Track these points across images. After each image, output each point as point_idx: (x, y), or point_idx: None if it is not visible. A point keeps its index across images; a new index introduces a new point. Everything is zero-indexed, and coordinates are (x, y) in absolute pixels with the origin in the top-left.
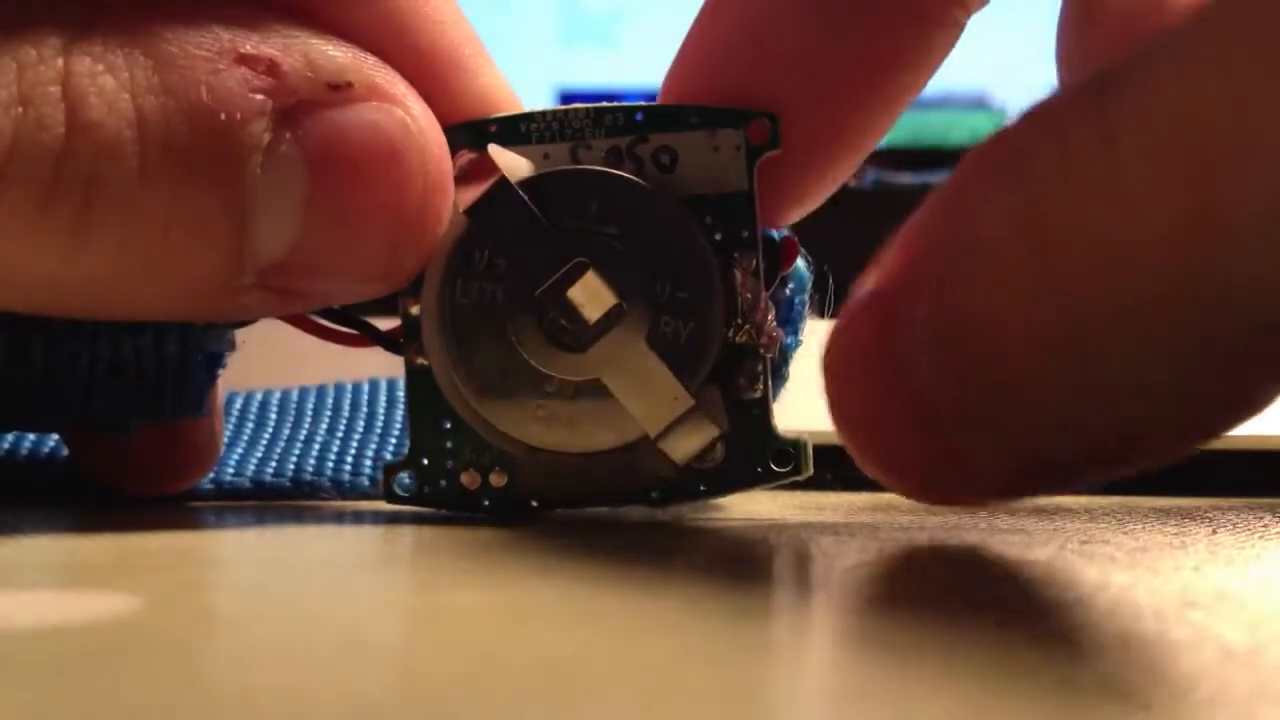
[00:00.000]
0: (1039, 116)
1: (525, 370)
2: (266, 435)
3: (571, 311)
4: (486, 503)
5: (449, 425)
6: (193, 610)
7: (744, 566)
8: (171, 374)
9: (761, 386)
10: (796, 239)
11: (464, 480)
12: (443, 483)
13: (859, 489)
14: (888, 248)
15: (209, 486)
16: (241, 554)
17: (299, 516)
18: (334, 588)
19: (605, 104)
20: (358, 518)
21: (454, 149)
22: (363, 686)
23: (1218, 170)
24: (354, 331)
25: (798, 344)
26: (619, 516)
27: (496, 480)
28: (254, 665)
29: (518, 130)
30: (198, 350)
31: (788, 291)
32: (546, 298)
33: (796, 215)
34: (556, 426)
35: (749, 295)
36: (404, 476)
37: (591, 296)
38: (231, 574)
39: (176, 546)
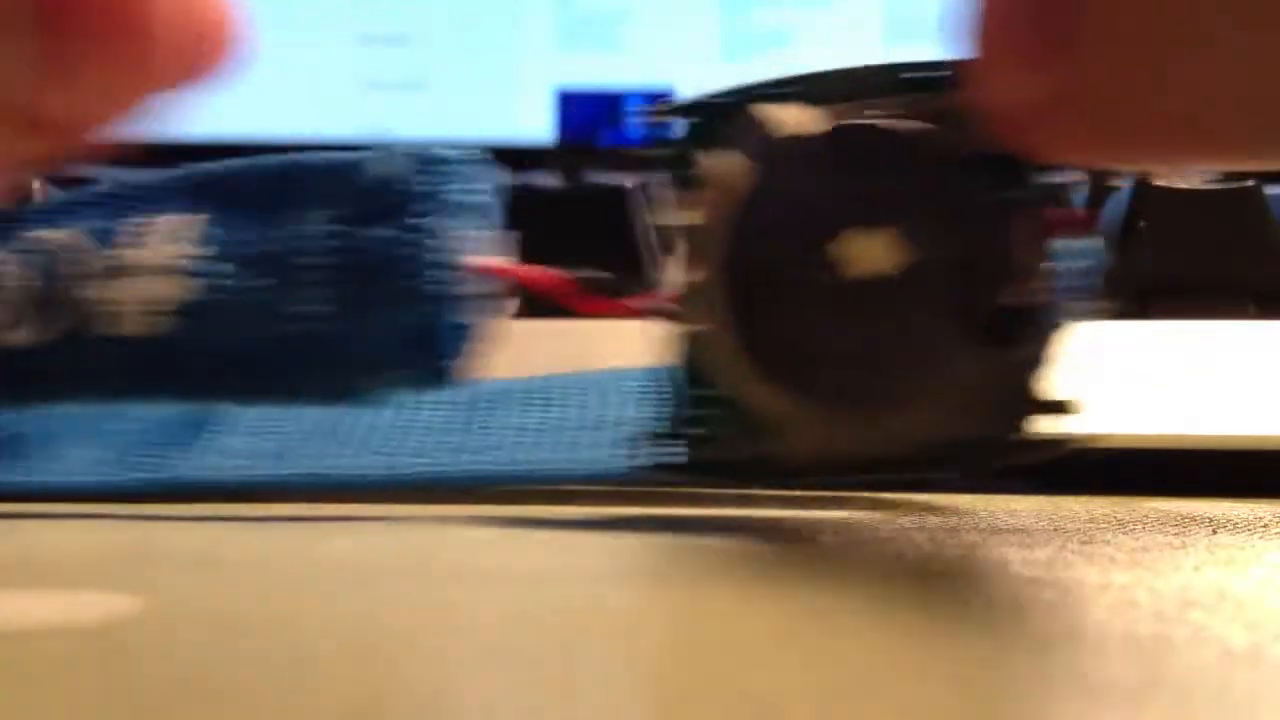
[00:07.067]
0: None
1: (809, 338)
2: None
3: (855, 270)
4: (751, 474)
5: (716, 394)
6: (192, 610)
7: (741, 563)
8: None
9: (1034, 350)
10: (1085, 213)
11: (728, 450)
12: (707, 452)
13: (861, 489)
14: None
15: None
16: (243, 554)
17: (303, 518)
18: (337, 588)
19: (894, 62)
20: (362, 520)
21: (737, 110)
22: (365, 689)
23: None
24: (618, 301)
25: (1070, 321)
26: (620, 516)
27: (764, 451)
28: (254, 665)
29: (803, 90)
30: None
31: (1072, 263)
32: (829, 256)
33: (1087, 159)
34: (841, 400)
35: (1030, 258)
36: (667, 446)
37: (875, 255)
38: (233, 574)
39: (177, 547)
